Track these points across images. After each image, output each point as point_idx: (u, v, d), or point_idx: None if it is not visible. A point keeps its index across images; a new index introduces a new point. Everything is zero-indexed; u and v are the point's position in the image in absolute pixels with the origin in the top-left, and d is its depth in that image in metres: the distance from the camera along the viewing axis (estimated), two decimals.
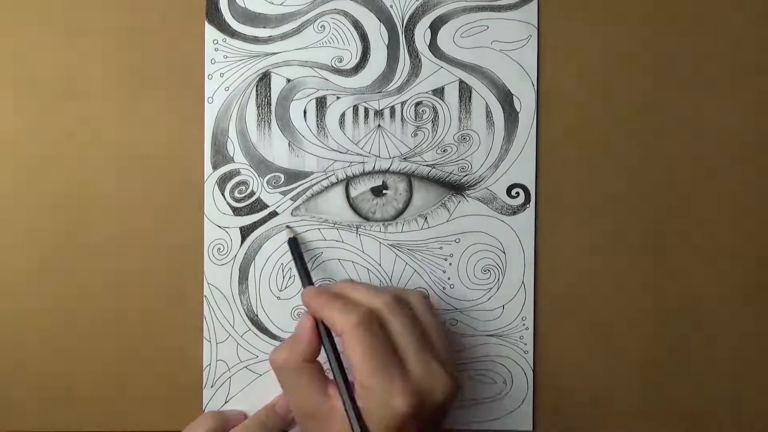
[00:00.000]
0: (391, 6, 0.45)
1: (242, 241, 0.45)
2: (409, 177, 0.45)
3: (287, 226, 0.45)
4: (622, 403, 0.46)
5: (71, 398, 0.46)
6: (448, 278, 0.46)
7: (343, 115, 0.45)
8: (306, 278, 0.43)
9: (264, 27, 0.45)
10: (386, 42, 0.45)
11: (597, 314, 0.46)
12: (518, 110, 0.45)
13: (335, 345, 0.40)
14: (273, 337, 0.46)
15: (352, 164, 0.45)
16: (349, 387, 0.38)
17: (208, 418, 0.44)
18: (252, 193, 0.45)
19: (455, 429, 0.46)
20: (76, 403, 0.46)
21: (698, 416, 0.47)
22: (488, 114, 0.45)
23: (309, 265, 0.45)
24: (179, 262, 0.45)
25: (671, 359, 0.47)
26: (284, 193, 0.45)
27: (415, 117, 0.45)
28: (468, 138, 0.45)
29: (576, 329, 0.46)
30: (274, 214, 0.45)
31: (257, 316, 0.46)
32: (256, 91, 0.45)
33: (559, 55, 0.45)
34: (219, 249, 0.45)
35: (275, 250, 0.45)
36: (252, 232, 0.45)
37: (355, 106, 0.45)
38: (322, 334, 0.40)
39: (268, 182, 0.45)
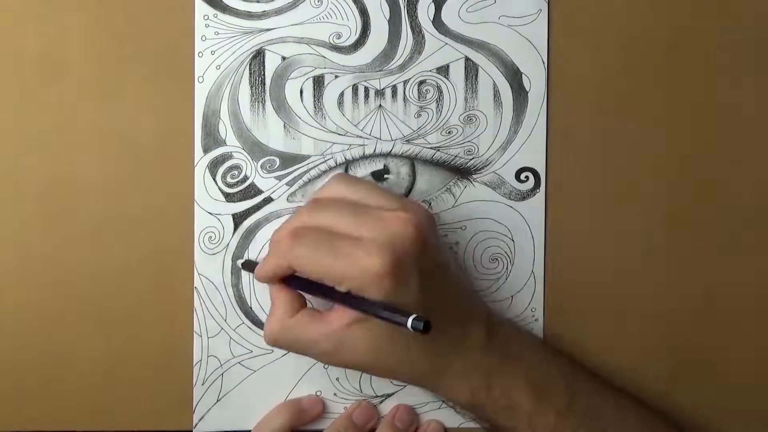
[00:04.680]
0: None
1: (235, 229, 0.44)
2: (412, 160, 0.44)
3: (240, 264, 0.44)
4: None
5: (54, 396, 0.44)
6: None
7: (341, 94, 0.44)
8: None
9: (258, 1, 0.43)
10: (387, 17, 0.44)
11: (611, 305, 0.46)
12: (527, 89, 0.45)
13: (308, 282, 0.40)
14: None
15: (351, 147, 0.44)
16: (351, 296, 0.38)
17: (282, 410, 0.44)
18: (245, 178, 0.44)
19: (460, 428, 0.45)
20: (59, 402, 0.44)
21: (722, 411, 0.46)
22: (496, 93, 0.44)
23: None
24: (168, 251, 0.44)
25: (691, 352, 0.46)
26: (280, 178, 0.44)
27: (419, 97, 0.44)
28: (474, 119, 0.44)
29: (588, 321, 0.46)
30: (269, 200, 0.44)
31: (251, 308, 0.44)
32: (250, 69, 0.44)
33: (572, 30, 0.44)
34: (210, 237, 0.44)
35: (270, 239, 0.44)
36: (245, 219, 0.44)
37: (354, 85, 0.44)
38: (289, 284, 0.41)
39: (262, 166, 0.44)
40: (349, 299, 0.38)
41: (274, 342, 0.41)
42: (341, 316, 0.39)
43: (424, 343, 0.38)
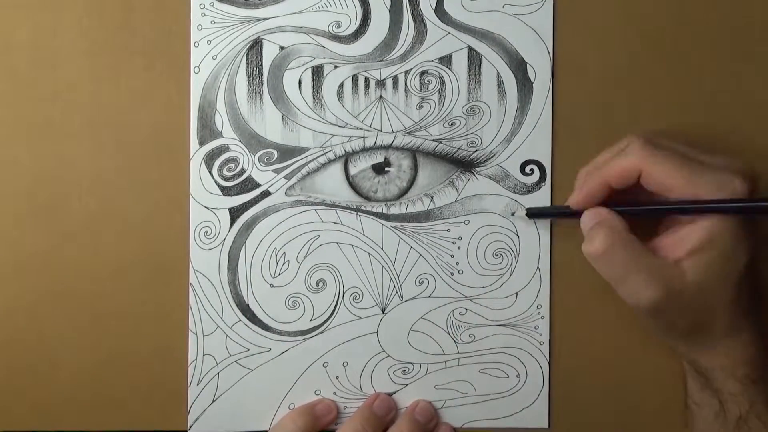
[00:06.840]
0: None
1: (231, 224, 0.43)
2: (414, 153, 0.44)
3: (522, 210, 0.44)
4: (645, 399, 0.45)
5: (45, 396, 0.44)
6: (457, 263, 0.44)
7: (341, 85, 0.43)
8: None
9: None
10: (388, 5, 0.43)
11: (618, 302, 0.44)
12: (532, 80, 0.44)
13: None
14: (265, 328, 0.44)
15: (351, 139, 0.43)
16: None
17: (296, 417, 0.43)
18: (242, 171, 0.43)
19: (463, 428, 0.45)
20: (50, 401, 0.44)
21: None
22: (500, 84, 0.44)
23: (306, 249, 0.44)
24: (162, 246, 0.44)
25: None
26: (277, 171, 0.43)
27: (420, 87, 0.43)
28: (478, 110, 0.44)
29: (596, 318, 0.45)
30: (266, 194, 0.43)
31: (248, 305, 0.44)
32: (247, 59, 0.43)
33: (577, 19, 0.44)
34: (206, 232, 0.43)
35: (268, 233, 0.44)
36: (242, 213, 0.43)
37: (354, 75, 0.43)
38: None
39: (259, 159, 0.43)
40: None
41: (606, 252, 0.39)
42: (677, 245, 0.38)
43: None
